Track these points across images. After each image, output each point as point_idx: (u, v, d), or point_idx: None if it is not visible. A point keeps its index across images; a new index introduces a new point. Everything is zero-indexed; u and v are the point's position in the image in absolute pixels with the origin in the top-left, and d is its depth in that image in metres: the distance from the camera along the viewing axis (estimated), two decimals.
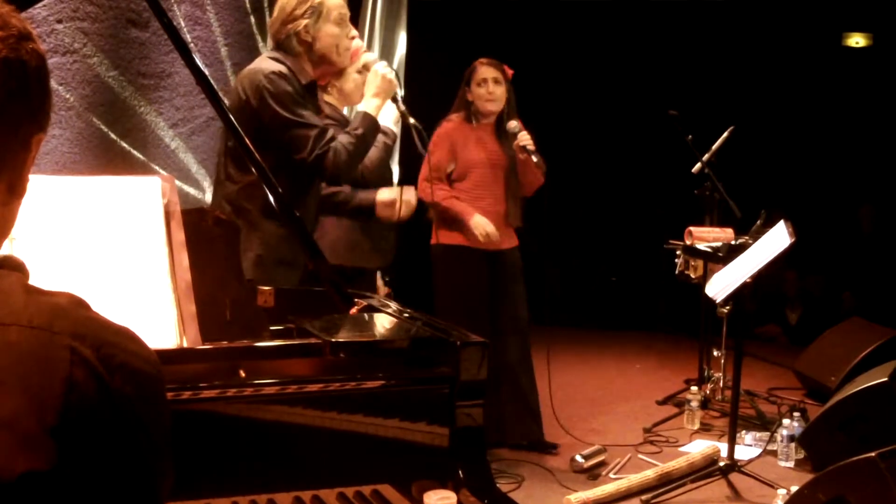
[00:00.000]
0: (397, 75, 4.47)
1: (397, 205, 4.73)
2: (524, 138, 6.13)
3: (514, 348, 6.32)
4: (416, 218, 5.71)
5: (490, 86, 6.24)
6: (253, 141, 3.26)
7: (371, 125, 4.30)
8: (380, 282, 5.79)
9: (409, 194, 5.17)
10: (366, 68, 4.59)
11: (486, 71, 6.28)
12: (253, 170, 3.22)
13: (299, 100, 4.11)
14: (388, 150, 5.13)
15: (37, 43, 1.39)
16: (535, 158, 6.08)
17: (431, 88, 7.68)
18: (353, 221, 5.32)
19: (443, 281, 6.34)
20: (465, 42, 10.15)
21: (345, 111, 5.46)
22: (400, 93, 4.57)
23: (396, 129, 4.86)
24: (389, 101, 4.54)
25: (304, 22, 4.21)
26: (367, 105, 4.35)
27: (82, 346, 1.27)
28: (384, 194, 5.01)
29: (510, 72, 6.34)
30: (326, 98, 5.27)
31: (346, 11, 4.36)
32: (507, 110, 6.31)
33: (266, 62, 4.23)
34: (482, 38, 9.97)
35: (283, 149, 4.08)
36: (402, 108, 4.52)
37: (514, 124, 6.20)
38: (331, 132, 4.16)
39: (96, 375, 1.26)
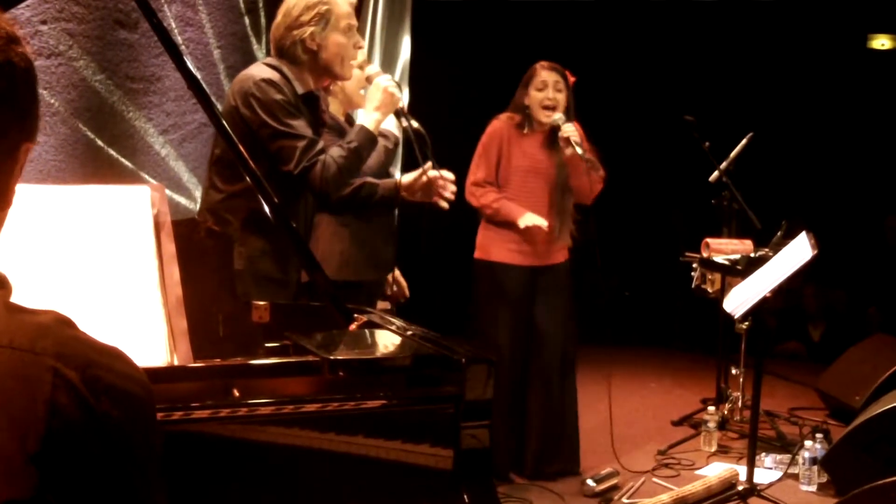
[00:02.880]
0: (399, 86, 4.46)
1: (424, 181, 4.67)
2: (568, 129, 6.04)
3: (551, 371, 6.30)
4: (430, 227, 5.73)
5: (550, 91, 6.17)
6: (244, 149, 3.26)
7: (367, 139, 4.28)
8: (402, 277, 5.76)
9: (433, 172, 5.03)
10: (368, 81, 4.57)
11: (547, 75, 6.21)
12: (247, 178, 3.22)
13: (290, 109, 4.09)
14: (388, 155, 5.12)
15: (25, 48, 1.40)
16: (579, 151, 6.00)
17: (436, 94, 7.71)
18: (347, 234, 5.31)
19: (481, 296, 6.38)
20: (472, 46, 10.19)
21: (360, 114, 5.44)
22: (405, 101, 4.57)
23: (399, 133, 4.83)
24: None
25: (310, 29, 4.19)
26: (366, 119, 4.33)
27: (66, 368, 1.26)
28: (408, 176, 4.97)
29: (572, 78, 6.30)
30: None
31: (354, 22, 4.35)
32: (565, 119, 6.22)
33: (259, 68, 4.23)
34: (489, 42, 10.00)
35: (271, 159, 4.07)
36: (406, 123, 4.50)
37: (558, 116, 6.11)
38: (320, 144, 4.14)
39: (80, 399, 1.25)
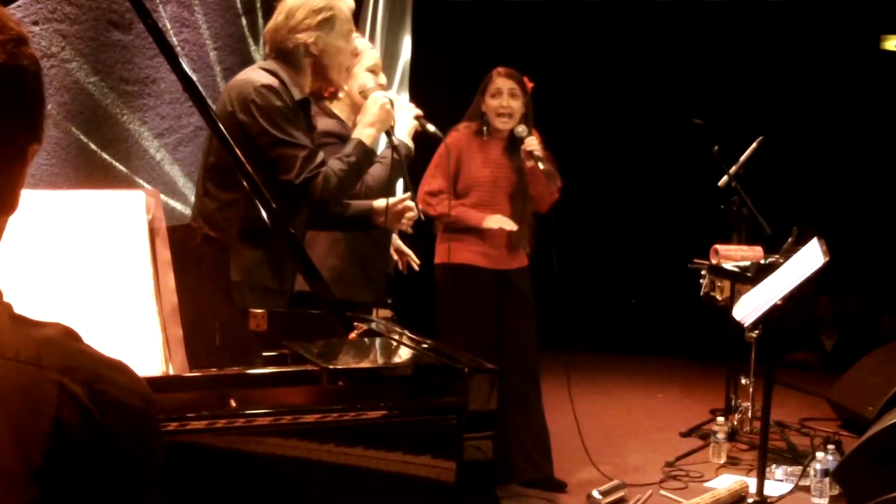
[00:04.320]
0: (392, 104, 4.48)
1: (397, 210, 4.69)
2: (531, 143, 6.10)
3: (523, 376, 6.30)
4: (422, 233, 5.73)
5: (505, 99, 6.21)
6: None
7: (365, 154, 4.29)
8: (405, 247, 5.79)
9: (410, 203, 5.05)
10: (364, 95, 4.59)
11: (502, 82, 6.24)
12: (244, 184, 3.22)
13: (290, 117, 4.07)
14: (397, 168, 5.10)
15: (32, 48, 1.40)
16: (541, 166, 6.05)
17: (438, 95, 7.71)
18: (347, 249, 5.31)
19: (447, 303, 6.32)
20: (475, 47, 10.20)
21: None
22: (413, 109, 4.60)
23: (411, 143, 4.81)
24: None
25: (315, 33, 4.18)
26: (362, 133, 4.33)
27: (71, 382, 1.26)
28: (381, 203, 4.97)
29: (530, 84, 6.32)
30: (335, 107, 5.25)
31: (353, 27, 4.37)
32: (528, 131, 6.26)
33: (257, 73, 4.20)
34: (492, 43, 10.00)
35: (268, 168, 4.05)
36: (396, 141, 4.52)
37: (521, 128, 6.16)
38: (321, 155, 4.14)
39: (86, 413, 1.26)
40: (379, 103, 4.38)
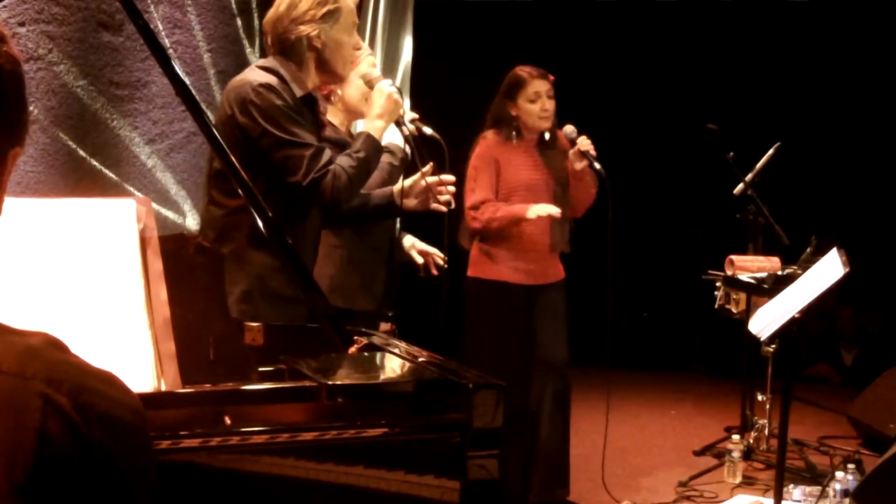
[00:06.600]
0: (400, 93, 4.45)
1: (422, 185, 4.64)
2: (585, 143, 6.12)
3: (549, 394, 6.28)
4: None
5: (545, 102, 6.23)
6: (241, 160, 3.25)
7: (374, 148, 4.25)
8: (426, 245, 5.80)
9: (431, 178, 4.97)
10: (370, 86, 4.57)
11: (539, 84, 6.24)
12: (240, 192, 3.22)
13: (292, 115, 4.05)
14: (392, 173, 5.09)
15: (11, 47, 1.39)
16: (597, 166, 6.09)
17: (440, 97, 7.73)
18: (339, 257, 5.32)
19: (476, 317, 6.35)
20: (477, 48, 10.20)
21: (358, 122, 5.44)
22: (408, 113, 4.58)
23: (407, 147, 4.79)
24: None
25: (319, 26, 4.17)
26: (370, 127, 4.30)
27: (57, 394, 1.25)
28: (405, 182, 4.93)
29: (552, 78, 6.33)
30: (329, 114, 5.25)
31: (357, 20, 4.35)
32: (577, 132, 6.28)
33: (255, 73, 4.18)
34: (494, 44, 10.01)
35: (275, 170, 4.04)
36: (407, 132, 4.50)
37: (570, 129, 6.20)
38: (328, 153, 4.11)
39: (72, 427, 1.25)
40: (385, 93, 4.34)
